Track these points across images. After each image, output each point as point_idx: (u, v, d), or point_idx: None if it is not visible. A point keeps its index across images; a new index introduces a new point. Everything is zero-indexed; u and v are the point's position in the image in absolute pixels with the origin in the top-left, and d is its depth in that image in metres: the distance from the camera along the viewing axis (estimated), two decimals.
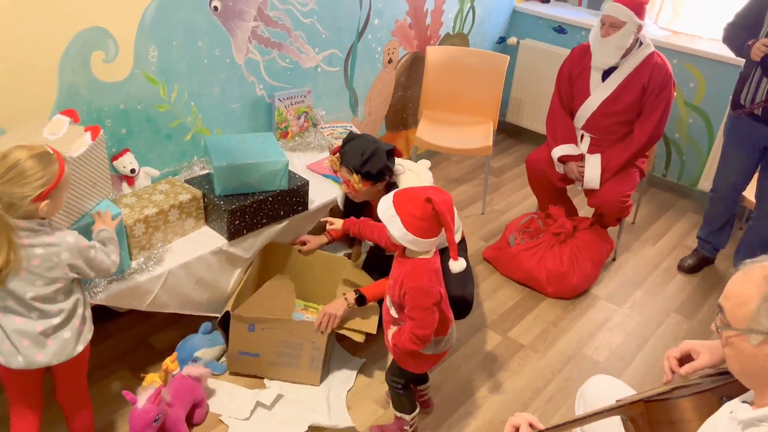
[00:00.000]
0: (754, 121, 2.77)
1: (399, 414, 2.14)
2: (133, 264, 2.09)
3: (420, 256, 1.78)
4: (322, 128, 3.11)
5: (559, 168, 3.02)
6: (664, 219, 3.74)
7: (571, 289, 2.98)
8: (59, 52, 2.12)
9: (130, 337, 2.53)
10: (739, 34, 2.72)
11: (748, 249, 2.96)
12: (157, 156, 2.57)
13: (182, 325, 2.50)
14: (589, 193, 3.01)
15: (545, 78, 4.08)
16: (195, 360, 2.31)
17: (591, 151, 2.99)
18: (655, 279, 3.20)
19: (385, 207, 1.74)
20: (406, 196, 1.73)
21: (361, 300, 2.21)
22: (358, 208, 2.41)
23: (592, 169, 2.93)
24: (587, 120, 2.96)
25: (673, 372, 1.53)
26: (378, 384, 2.41)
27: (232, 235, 2.28)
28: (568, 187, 3.20)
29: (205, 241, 2.28)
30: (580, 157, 2.99)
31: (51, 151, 1.60)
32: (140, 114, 2.44)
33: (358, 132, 2.88)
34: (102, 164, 2.00)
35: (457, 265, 1.72)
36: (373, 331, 2.23)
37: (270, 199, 2.34)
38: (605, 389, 1.68)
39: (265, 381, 2.35)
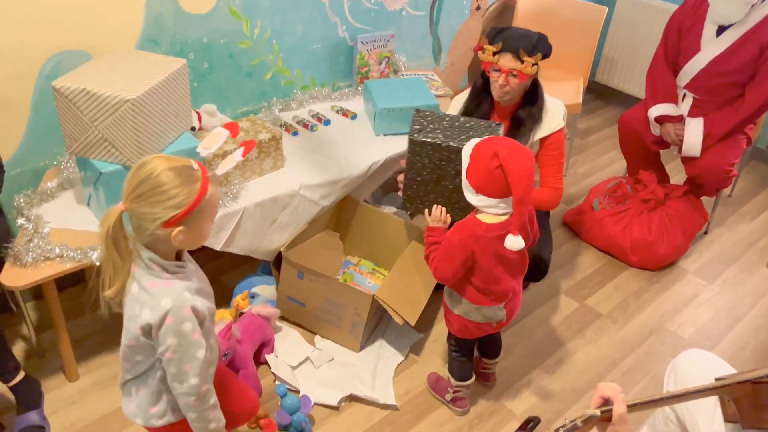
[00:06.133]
0: None
1: (447, 375, 2.08)
2: None
3: (478, 215, 1.70)
4: (403, 75, 2.99)
5: (655, 129, 2.80)
6: (765, 194, 3.45)
7: (656, 260, 2.79)
8: None
9: None
10: None
11: None
12: (236, 93, 2.54)
13: (252, 265, 2.49)
14: (687, 160, 2.77)
15: (643, 36, 3.79)
16: (252, 296, 2.30)
17: (692, 113, 2.74)
18: (750, 257, 2.96)
19: (469, 144, 1.67)
20: (485, 143, 1.64)
21: None
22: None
23: (694, 135, 2.69)
24: (692, 78, 2.70)
25: None
26: (429, 364, 2.26)
27: None
28: (661, 152, 2.97)
29: (281, 182, 2.23)
30: (679, 119, 2.75)
31: (196, 167, 1.30)
32: (222, 49, 2.41)
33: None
34: (184, 96, 1.97)
35: (511, 241, 1.58)
36: (412, 322, 2.09)
37: None
38: (701, 366, 1.55)
39: (316, 339, 2.30)
